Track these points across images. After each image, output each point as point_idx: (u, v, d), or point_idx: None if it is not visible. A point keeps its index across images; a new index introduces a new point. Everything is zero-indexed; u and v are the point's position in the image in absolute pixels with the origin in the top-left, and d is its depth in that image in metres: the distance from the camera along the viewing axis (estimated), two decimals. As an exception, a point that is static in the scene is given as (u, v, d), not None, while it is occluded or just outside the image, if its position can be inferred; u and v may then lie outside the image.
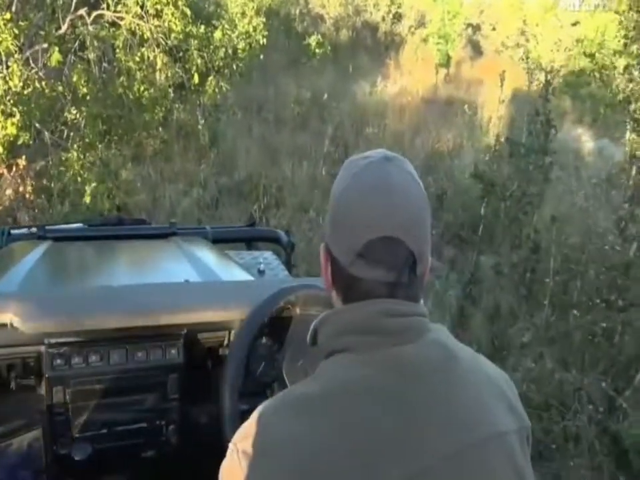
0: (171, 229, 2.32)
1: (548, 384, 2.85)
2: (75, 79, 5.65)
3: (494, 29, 14.29)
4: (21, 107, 5.12)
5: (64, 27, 6.06)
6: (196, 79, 6.44)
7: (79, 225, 2.46)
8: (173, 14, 6.29)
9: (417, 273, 0.85)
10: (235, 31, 7.11)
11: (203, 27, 6.84)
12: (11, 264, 1.86)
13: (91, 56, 6.10)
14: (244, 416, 1.19)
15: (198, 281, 1.72)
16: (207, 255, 2.11)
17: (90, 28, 6.14)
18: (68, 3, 6.08)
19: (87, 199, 5.10)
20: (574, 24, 11.64)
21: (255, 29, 7.20)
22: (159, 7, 6.25)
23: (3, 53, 5.16)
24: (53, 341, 1.31)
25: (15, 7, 5.54)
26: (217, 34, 6.89)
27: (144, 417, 1.40)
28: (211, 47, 6.81)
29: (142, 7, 6.25)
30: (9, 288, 1.60)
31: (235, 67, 7.11)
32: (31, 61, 5.57)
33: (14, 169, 5.16)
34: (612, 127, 8.19)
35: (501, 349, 3.30)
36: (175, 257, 2.08)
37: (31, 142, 5.36)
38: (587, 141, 7.88)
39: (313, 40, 10.35)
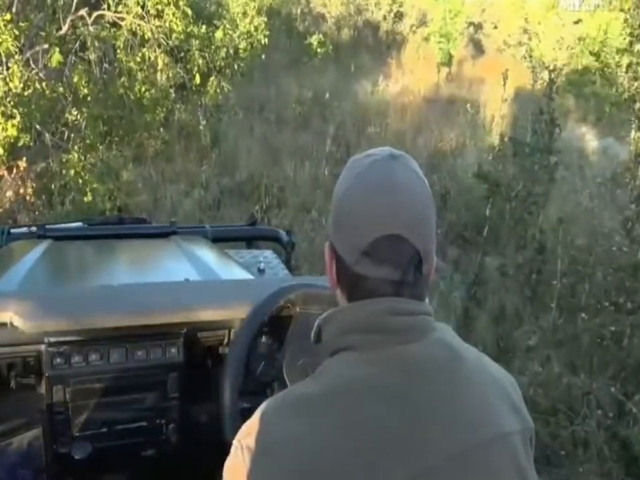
0: (171, 228, 2.32)
1: (555, 388, 2.81)
2: (75, 79, 5.63)
3: (496, 27, 14.24)
4: (21, 109, 5.10)
5: (64, 28, 6.03)
6: (197, 79, 6.41)
7: (79, 224, 2.46)
8: (174, 14, 6.26)
9: (422, 271, 0.85)
10: (236, 31, 7.07)
11: (204, 26, 6.81)
12: (11, 263, 1.86)
13: (92, 56, 6.08)
14: (244, 415, 1.23)
15: (198, 279, 1.72)
16: (207, 254, 2.11)
17: (91, 28, 6.11)
18: (69, 4, 6.05)
19: (88, 200, 5.07)
20: (576, 22, 11.59)
21: (256, 29, 7.17)
22: (159, 7, 6.23)
23: (3, 54, 5.13)
24: (52, 339, 1.31)
25: (15, 8, 5.51)
26: (218, 34, 6.86)
27: (144, 416, 1.40)
28: (212, 46, 6.77)
29: (143, 7, 6.23)
30: (9, 287, 1.60)
31: (236, 66, 7.08)
32: (31, 62, 5.55)
33: (14, 170, 5.14)
34: (616, 126, 8.14)
35: (507, 352, 3.26)
36: (174, 256, 2.08)
37: (31, 143, 5.34)
38: (591, 139, 7.82)
39: (314, 39, 10.31)
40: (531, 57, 10.26)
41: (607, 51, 11.76)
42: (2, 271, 1.77)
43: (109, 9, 6.28)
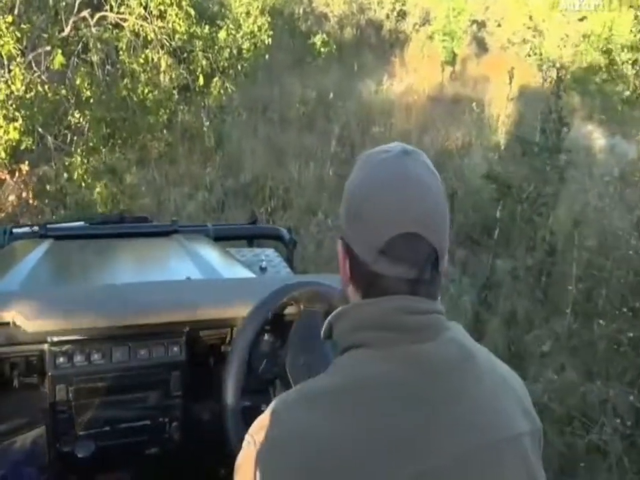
0: (173, 227, 2.32)
1: (571, 395, 2.74)
2: (78, 82, 5.58)
3: (499, 25, 14.15)
4: (23, 112, 5.06)
5: (67, 30, 5.99)
6: (201, 80, 6.35)
7: (81, 223, 2.47)
8: (176, 14, 6.22)
9: (438, 269, 0.85)
10: (239, 31, 7.01)
11: (207, 27, 6.75)
12: (13, 263, 1.88)
13: (94, 58, 6.03)
14: (246, 413, 1.27)
15: (200, 278, 1.73)
16: (209, 253, 2.11)
17: (93, 30, 6.07)
18: (71, 5, 6.01)
19: (91, 204, 5.02)
20: (581, 19, 11.50)
21: (259, 29, 7.11)
22: (162, 7, 6.18)
23: (5, 57, 5.09)
24: (55, 339, 1.32)
25: (17, 10, 5.46)
26: (222, 34, 6.80)
27: (147, 415, 1.40)
28: (216, 47, 6.72)
29: (145, 8, 6.18)
30: (12, 287, 1.61)
31: (239, 67, 7.02)
32: (33, 64, 5.50)
33: (17, 174, 5.09)
34: (623, 124, 8.06)
35: (519, 357, 3.19)
36: (176, 255, 2.09)
37: (33, 147, 5.30)
38: (598, 138, 7.74)
39: (318, 39, 10.24)
40: (540, 54, 10.16)
41: (613, 48, 11.69)
42: (4, 271, 1.77)
43: (111, 10, 6.23)
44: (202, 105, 6.83)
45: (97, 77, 6.01)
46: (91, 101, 5.70)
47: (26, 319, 1.30)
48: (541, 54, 10.00)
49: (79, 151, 5.37)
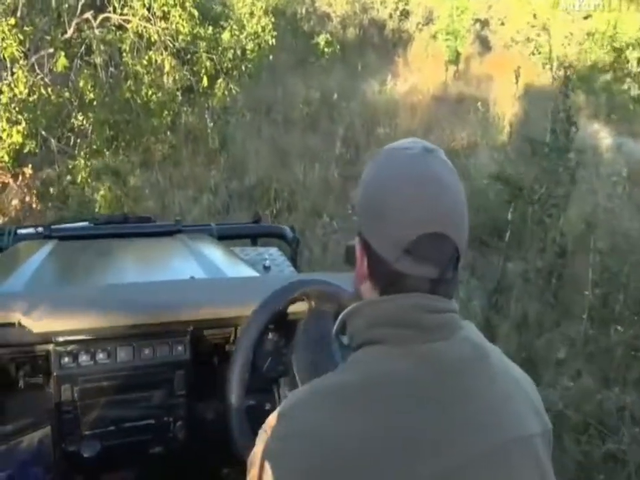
0: (176, 227, 2.33)
1: (587, 403, 2.68)
2: (81, 84, 5.56)
3: (502, 24, 14.08)
4: (26, 115, 5.04)
5: (70, 31, 5.96)
6: (205, 81, 6.30)
7: (85, 223, 2.48)
8: (180, 15, 6.18)
9: (457, 268, 0.85)
10: (243, 32, 6.96)
11: (210, 28, 6.71)
12: (18, 263, 1.89)
13: (98, 60, 6.00)
14: (250, 411, 1.28)
15: (204, 277, 1.73)
16: (213, 252, 2.12)
17: (96, 32, 6.03)
18: (74, 7, 5.98)
19: (95, 207, 4.98)
20: (585, 17, 11.43)
21: (263, 29, 7.06)
22: (166, 8, 6.14)
23: (8, 59, 5.06)
24: (60, 339, 1.32)
25: (20, 12, 5.42)
26: (225, 35, 6.75)
27: (151, 414, 1.41)
28: (220, 48, 6.67)
29: (149, 9, 6.13)
30: (17, 287, 1.63)
31: (243, 68, 6.97)
32: (36, 67, 5.47)
33: (20, 178, 5.06)
34: (630, 122, 7.99)
35: (532, 362, 3.14)
36: (180, 254, 2.09)
37: (37, 150, 5.27)
38: (605, 137, 7.67)
39: (321, 39, 10.18)
40: (550, 52, 10.08)
41: (623, 46, 11.62)
42: (9, 272, 1.79)
43: (114, 11, 6.19)
44: (206, 106, 6.79)
45: (100, 79, 5.98)
46: (94, 103, 5.68)
47: (31, 320, 1.30)
48: (551, 52, 9.89)
49: (82, 153, 5.33)
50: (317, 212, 5.69)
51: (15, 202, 4.84)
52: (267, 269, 2.20)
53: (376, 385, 0.80)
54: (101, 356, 1.35)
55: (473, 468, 0.78)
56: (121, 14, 6.20)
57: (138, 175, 5.68)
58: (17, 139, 4.96)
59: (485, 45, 13.48)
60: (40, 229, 2.24)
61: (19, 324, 1.30)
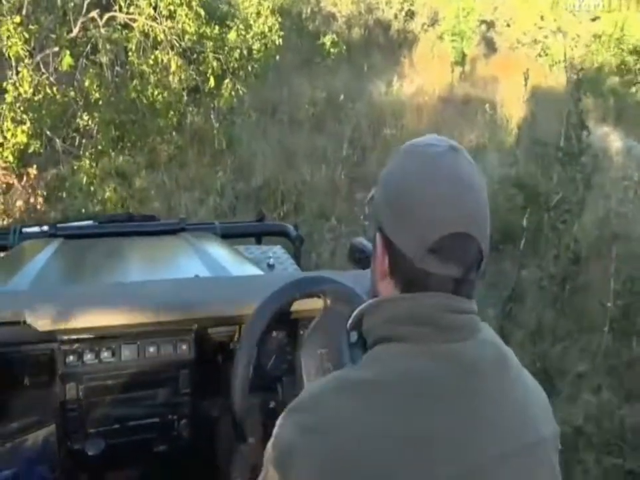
0: (180, 225, 2.34)
1: (608, 419, 2.60)
2: (87, 83, 5.49)
3: (508, 25, 14.01)
4: (31, 114, 4.98)
5: (75, 30, 5.89)
6: (212, 82, 6.23)
7: (90, 222, 2.50)
8: (186, 15, 6.11)
9: (480, 269, 0.85)
10: (249, 32, 6.89)
11: (217, 27, 6.64)
12: (23, 262, 1.91)
13: (103, 59, 5.93)
14: (254, 409, 1.30)
15: (208, 276, 1.74)
16: (217, 250, 2.12)
17: (102, 30, 5.96)
18: (79, 5, 5.91)
19: (100, 208, 4.92)
20: (593, 19, 11.35)
21: (270, 29, 6.99)
22: (172, 7, 6.07)
23: (12, 58, 5.00)
24: (65, 337, 1.33)
25: (25, 10, 5.36)
26: (232, 35, 6.68)
27: (156, 412, 1.41)
28: (226, 48, 6.60)
29: (155, 8, 6.07)
30: (22, 286, 1.64)
31: (250, 68, 6.90)
32: (41, 66, 5.40)
33: (24, 178, 4.99)
34: (637, 126, 7.92)
35: (547, 373, 3.06)
36: (184, 253, 2.10)
37: (41, 150, 5.20)
38: (614, 140, 7.60)
39: (327, 39, 10.11)
40: (564, 55, 9.99)
41: (624, 49, 11.56)
42: (15, 270, 1.80)
43: (120, 10, 6.13)
44: (211, 106, 6.72)
45: (105, 78, 5.91)
46: (100, 103, 5.61)
47: (36, 318, 1.31)
48: (566, 54, 9.80)
49: (87, 154, 5.27)
50: (324, 214, 5.63)
51: (19, 203, 4.78)
52: (271, 267, 2.20)
53: (396, 383, 0.79)
54: (105, 354, 1.35)
55: (491, 470, 0.78)
56: (127, 13, 6.13)
57: (144, 176, 5.62)
58: (22, 138, 4.90)
59: (490, 46, 13.42)
60: (45, 228, 2.24)
61: (24, 322, 1.31)
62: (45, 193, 5.00)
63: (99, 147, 5.45)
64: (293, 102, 8.43)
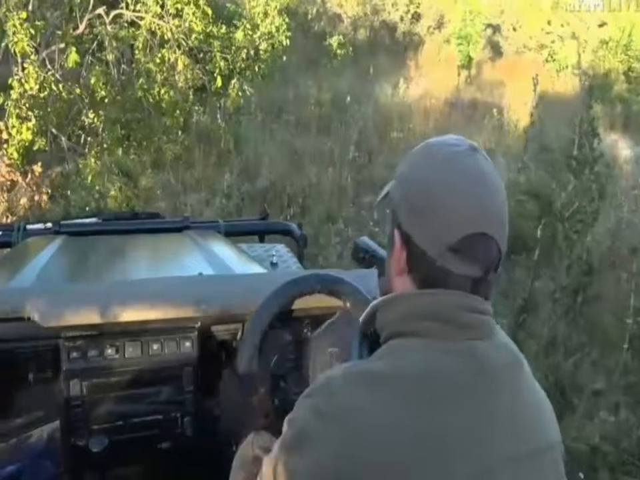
0: (184, 223, 2.33)
1: (626, 438, 2.53)
2: (93, 81, 5.43)
3: (514, 29, 13.97)
4: (36, 111, 4.92)
5: (81, 27, 5.83)
6: (219, 82, 6.17)
7: (94, 219, 2.49)
8: (194, 13, 6.05)
9: (498, 270, 0.85)
10: (256, 32, 6.84)
11: (224, 27, 6.58)
12: (28, 259, 1.90)
13: (110, 57, 5.87)
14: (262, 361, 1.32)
15: (211, 274, 1.74)
16: (220, 248, 2.12)
17: (108, 28, 5.90)
18: (86, 2, 5.85)
19: (105, 207, 4.86)
20: (601, 25, 11.31)
21: (277, 29, 6.93)
22: (179, 6, 6.01)
23: (18, 54, 4.93)
24: (69, 334, 1.33)
25: (31, 6, 5.30)
26: (239, 34, 6.63)
27: (159, 409, 1.41)
28: (233, 47, 6.54)
29: (162, 7, 6.01)
30: (26, 282, 1.64)
31: (257, 68, 6.85)
32: (47, 62, 5.33)
33: (29, 176, 4.93)
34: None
35: (559, 386, 3.00)
36: (188, 251, 2.10)
37: (46, 148, 5.14)
38: (623, 148, 7.54)
39: (334, 40, 10.06)
40: (578, 60, 9.93)
41: (632, 55, 11.52)
42: (19, 267, 1.81)
43: (127, 7, 6.07)
44: (217, 106, 6.66)
45: (111, 76, 5.85)
46: (106, 101, 5.55)
47: (40, 315, 1.31)
48: (580, 59, 9.73)
49: (93, 152, 5.21)
50: (330, 217, 5.57)
51: (23, 200, 4.71)
52: (274, 265, 2.21)
53: (413, 377, 0.79)
54: (109, 351, 1.35)
55: (503, 471, 0.78)
56: (134, 10, 6.07)
57: (149, 175, 5.55)
58: (27, 136, 4.84)
59: (495, 50, 13.37)
60: (49, 225, 2.25)
61: (29, 319, 1.31)
62: (49, 191, 4.93)
63: (105, 146, 5.38)
64: (299, 103, 8.38)
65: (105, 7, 6.01)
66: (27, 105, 4.89)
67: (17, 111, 4.84)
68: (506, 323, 3.20)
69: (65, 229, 2.19)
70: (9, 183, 4.81)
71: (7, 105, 4.87)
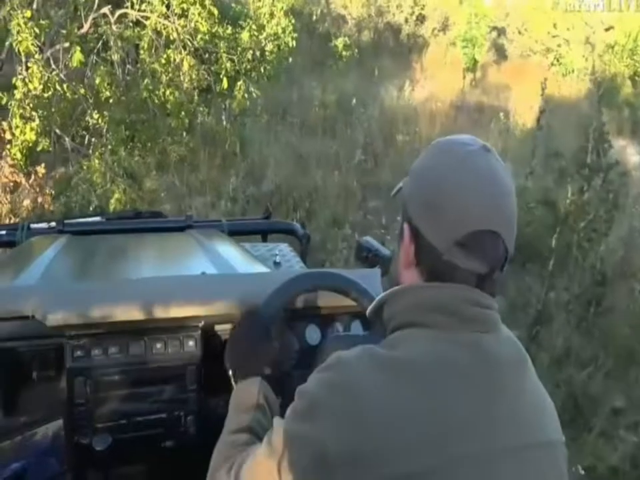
0: (187, 222, 2.34)
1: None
2: (97, 81, 5.36)
3: (520, 32, 13.90)
4: (40, 111, 4.85)
5: (86, 26, 5.77)
6: (225, 83, 6.10)
7: (97, 218, 2.51)
8: (199, 13, 5.99)
9: (504, 269, 0.86)
10: (262, 33, 6.76)
11: (229, 27, 6.51)
12: (32, 258, 1.91)
13: (114, 57, 5.80)
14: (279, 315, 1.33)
15: (214, 273, 1.74)
16: (223, 248, 2.12)
17: (113, 27, 5.84)
18: (91, 1, 5.78)
19: (110, 209, 4.79)
20: (607, 29, 11.24)
21: (283, 31, 6.86)
22: (185, 6, 5.95)
23: (22, 53, 4.86)
24: (73, 332, 1.34)
25: (35, 5, 5.23)
26: (244, 35, 6.56)
27: (163, 408, 1.42)
28: (239, 48, 6.47)
29: (168, 7, 5.94)
30: (30, 281, 1.65)
31: (262, 69, 6.78)
32: (51, 62, 5.26)
33: (32, 177, 4.86)
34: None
35: (573, 396, 2.93)
36: (191, 250, 2.11)
37: (50, 148, 5.07)
38: (632, 154, 7.46)
39: (340, 42, 9.99)
40: (592, 65, 9.84)
41: (637, 59, 11.45)
42: (23, 266, 1.82)
43: (132, 7, 6.01)
44: (222, 107, 6.59)
45: (116, 76, 5.78)
46: (110, 101, 5.48)
47: (45, 313, 1.31)
48: (594, 64, 9.64)
49: (97, 153, 5.14)
50: (337, 222, 5.49)
51: (26, 202, 4.64)
52: (277, 264, 2.21)
53: (422, 363, 0.81)
54: (113, 350, 1.36)
55: (504, 459, 0.80)
56: (139, 10, 6.01)
57: (154, 177, 5.48)
58: (30, 136, 4.78)
59: (500, 53, 13.31)
60: (53, 224, 2.26)
61: (33, 317, 1.32)
62: (52, 192, 4.86)
63: (109, 147, 5.31)
64: (304, 104, 8.30)
65: (110, 6, 5.94)
66: (31, 105, 4.83)
67: (21, 111, 4.77)
68: (519, 335, 3.12)
69: (68, 228, 2.21)
70: (12, 184, 4.74)
71: (11, 104, 4.81)
